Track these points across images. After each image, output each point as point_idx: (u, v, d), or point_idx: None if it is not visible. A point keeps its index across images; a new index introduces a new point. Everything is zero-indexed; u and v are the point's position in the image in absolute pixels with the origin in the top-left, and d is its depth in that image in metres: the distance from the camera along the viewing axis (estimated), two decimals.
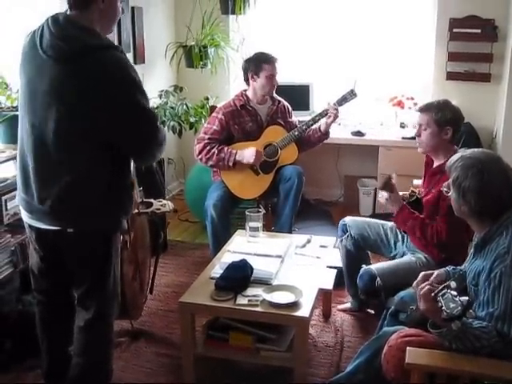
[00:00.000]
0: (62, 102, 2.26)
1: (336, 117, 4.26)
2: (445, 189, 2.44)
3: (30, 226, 2.52)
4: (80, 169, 2.33)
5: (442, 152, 3.22)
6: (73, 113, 2.26)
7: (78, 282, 2.59)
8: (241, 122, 4.29)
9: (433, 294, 2.16)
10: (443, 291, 2.13)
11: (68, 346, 2.74)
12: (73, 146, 2.32)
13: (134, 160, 2.51)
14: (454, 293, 2.10)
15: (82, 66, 2.23)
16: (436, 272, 2.49)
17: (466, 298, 2.09)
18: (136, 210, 3.14)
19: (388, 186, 3.21)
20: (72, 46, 2.24)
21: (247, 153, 4.20)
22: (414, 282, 2.51)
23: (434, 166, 3.29)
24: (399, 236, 3.48)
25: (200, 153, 4.24)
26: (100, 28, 2.35)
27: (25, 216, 2.53)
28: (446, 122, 3.18)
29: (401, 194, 3.32)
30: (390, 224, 3.44)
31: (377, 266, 3.26)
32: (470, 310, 2.06)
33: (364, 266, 3.33)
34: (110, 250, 2.54)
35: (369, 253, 3.69)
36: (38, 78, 2.31)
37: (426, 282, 2.30)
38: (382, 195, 3.27)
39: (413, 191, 3.40)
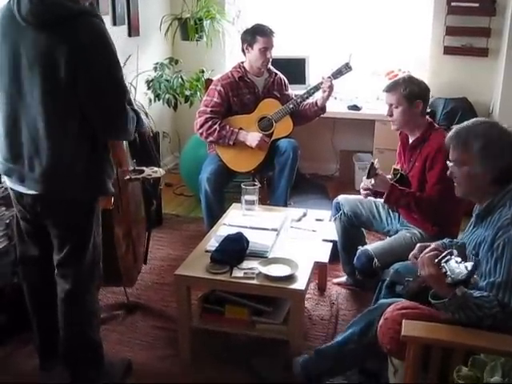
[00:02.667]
0: (45, 68, 2.26)
1: (331, 90, 4.24)
2: (453, 169, 2.39)
3: (12, 189, 2.55)
4: (67, 136, 2.35)
5: (416, 126, 3.26)
6: (56, 78, 2.26)
7: (56, 249, 2.59)
8: (239, 94, 4.27)
9: (436, 261, 2.15)
10: (446, 257, 2.13)
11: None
12: (57, 113, 2.32)
13: (97, 132, 2.45)
14: (458, 259, 2.10)
15: (63, 32, 2.23)
16: (433, 244, 2.48)
17: (471, 262, 2.09)
18: (127, 176, 3.15)
19: (373, 171, 3.20)
20: (52, 12, 2.23)
21: (251, 137, 4.20)
22: (411, 254, 2.51)
23: (412, 140, 3.31)
24: (391, 212, 3.49)
25: (201, 127, 4.22)
26: None
27: (7, 180, 2.55)
28: (415, 96, 3.21)
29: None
30: (381, 200, 3.43)
31: (373, 246, 3.28)
32: (475, 276, 2.06)
33: (360, 247, 3.33)
34: (89, 218, 2.55)
35: (363, 230, 3.70)
36: (18, 46, 2.29)
37: (430, 248, 2.29)
38: (367, 183, 3.27)
39: (395, 169, 3.40)
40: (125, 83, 2.39)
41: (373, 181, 3.21)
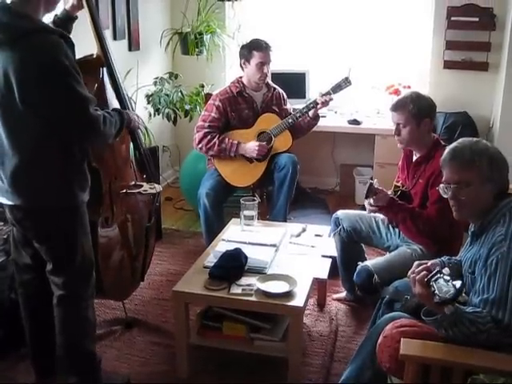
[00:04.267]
0: (3, 87, 2.32)
1: (326, 104, 4.24)
2: (459, 190, 2.34)
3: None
4: (27, 148, 2.41)
5: (423, 143, 3.23)
6: (10, 93, 2.31)
7: (45, 258, 2.63)
8: (237, 109, 4.27)
9: (425, 280, 2.15)
10: (436, 276, 2.12)
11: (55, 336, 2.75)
12: (18, 127, 2.39)
13: (70, 140, 2.50)
14: (447, 277, 2.09)
15: (17, 51, 2.28)
16: (430, 262, 2.47)
17: (459, 281, 2.08)
18: (123, 190, 3.15)
19: (372, 191, 3.17)
20: (4, 31, 2.30)
21: (249, 147, 4.20)
22: (409, 272, 2.49)
23: (417, 156, 3.27)
24: (391, 228, 3.46)
25: (200, 142, 4.22)
26: (43, 10, 2.42)
27: None
28: (424, 115, 3.17)
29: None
30: (381, 216, 3.41)
31: (373, 262, 3.24)
32: (463, 294, 2.05)
33: (360, 262, 3.31)
34: (71, 227, 2.58)
35: (363, 246, 3.68)
36: None
37: (422, 267, 2.28)
38: (366, 203, 3.25)
39: (396, 186, 3.38)
40: (83, 92, 2.39)
41: (372, 200, 3.19)
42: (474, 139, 2.41)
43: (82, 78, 2.42)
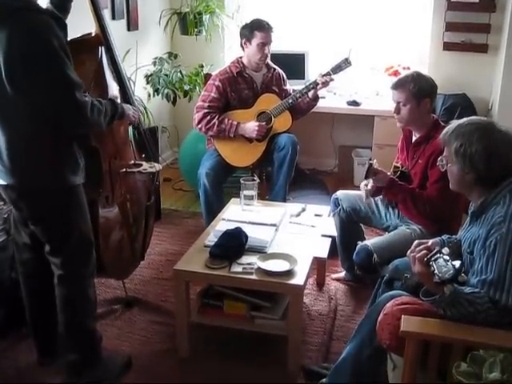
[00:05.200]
0: None
1: (327, 85, 4.23)
2: (442, 163, 2.41)
3: None
4: (15, 129, 2.40)
5: (423, 123, 3.23)
6: (0, 74, 2.29)
7: (42, 239, 2.65)
8: (237, 89, 4.26)
9: (425, 259, 2.15)
10: (435, 256, 2.13)
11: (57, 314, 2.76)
12: (6, 107, 2.37)
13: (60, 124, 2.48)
14: (447, 257, 2.10)
15: (5, 30, 2.24)
16: (431, 241, 2.48)
17: (459, 261, 2.09)
18: (123, 169, 3.15)
19: (371, 172, 3.18)
20: None
21: (249, 127, 4.19)
22: (408, 251, 2.50)
23: (417, 136, 3.28)
24: (390, 208, 3.48)
25: (200, 122, 4.21)
26: None
27: None
28: (424, 94, 3.16)
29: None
30: (380, 196, 3.42)
31: (372, 241, 3.25)
32: (462, 274, 2.06)
33: (359, 242, 3.32)
34: (65, 208, 2.57)
35: (362, 226, 3.70)
36: None
37: (422, 246, 2.29)
38: (366, 183, 3.26)
39: (395, 166, 3.38)
40: (71, 75, 2.35)
41: (370, 181, 3.20)
42: (475, 119, 2.39)
43: (72, 61, 2.38)
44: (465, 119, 2.38)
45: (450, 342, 2.10)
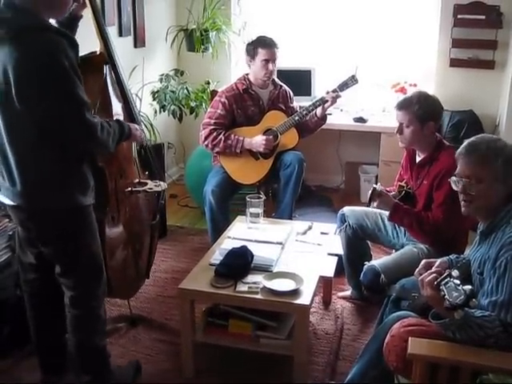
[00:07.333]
0: (2, 83, 2.28)
1: (334, 102, 4.22)
2: (457, 183, 2.34)
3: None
4: (23, 147, 2.37)
5: (426, 144, 3.19)
6: (8, 92, 2.27)
7: (52, 261, 2.62)
8: (243, 107, 4.25)
9: (435, 283, 2.12)
10: (445, 280, 2.09)
11: (63, 334, 2.74)
12: (16, 125, 2.35)
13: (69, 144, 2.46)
14: (457, 281, 2.06)
15: (16, 48, 2.23)
16: (439, 260, 2.46)
17: (469, 286, 2.06)
18: (128, 188, 3.14)
19: (374, 196, 3.15)
20: (6, 29, 2.25)
21: (256, 141, 4.17)
22: (416, 270, 2.48)
23: (421, 157, 3.24)
24: (397, 226, 3.45)
25: (206, 139, 4.20)
26: (46, 10, 2.35)
27: None
28: (428, 117, 3.11)
29: (391, 193, 3.30)
30: (387, 213, 3.40)
31: (379, 262, 3.23)
32: (473, 299, 2.03)
33: (367, 262, 3.29)
34: (75, 229, 2.55)
35: (369, 243, 3.67)
36: None
37: (431, 270, 2.26)
38: (373, 206, 3.24)
39: (400, 186, 3.36)
40: (82, 95, 2.34)
41: (375, 204, 3.18)
42: (494, 137, 2.38)
43: (82, 81, 2.37)
44: (482, 136, 2.36)
45: (459, 365, 2.07)
